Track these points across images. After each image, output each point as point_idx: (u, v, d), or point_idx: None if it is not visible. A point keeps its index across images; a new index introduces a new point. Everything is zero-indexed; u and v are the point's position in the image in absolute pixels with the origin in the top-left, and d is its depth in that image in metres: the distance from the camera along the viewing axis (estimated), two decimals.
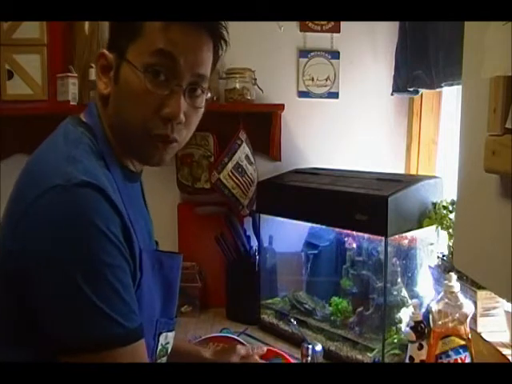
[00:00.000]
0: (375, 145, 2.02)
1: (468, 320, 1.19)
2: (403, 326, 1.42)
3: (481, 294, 1.29)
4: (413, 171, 1.98)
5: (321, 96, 2.01)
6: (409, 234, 1.52)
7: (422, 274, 1.56)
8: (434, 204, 1.51)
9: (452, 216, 1.44)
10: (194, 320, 1.86)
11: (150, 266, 0.86)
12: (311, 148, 2.02)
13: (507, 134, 0.76)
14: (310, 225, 1.80)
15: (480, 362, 1.20)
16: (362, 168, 1.81)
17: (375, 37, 1.98)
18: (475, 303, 1.27)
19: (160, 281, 0.89)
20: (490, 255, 0.91)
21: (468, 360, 1.19)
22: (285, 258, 1.91)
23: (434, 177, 1.66)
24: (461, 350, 1.19)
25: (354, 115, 2.02)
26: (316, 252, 1.80)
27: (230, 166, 1.83)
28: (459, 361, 1.18)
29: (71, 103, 1.79)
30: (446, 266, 1.42)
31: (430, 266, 1.52)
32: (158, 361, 0.90)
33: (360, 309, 1.55)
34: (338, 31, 1.98)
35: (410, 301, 1.47)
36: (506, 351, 1.23)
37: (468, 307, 1.19)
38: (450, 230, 1.44)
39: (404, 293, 1.50)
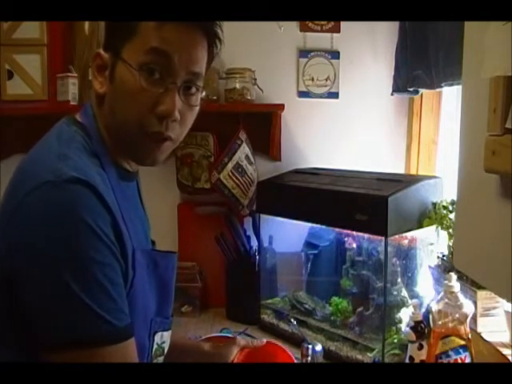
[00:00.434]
0: (375, 145, 2.02)
1: (468, 320, 1.19)
2: (403, 326, 1.42)
3: (481, 294, 1.29)
4: (413, 171, 1.98)
5: (321, 96, 2.01)
6: (409, 234, 1.52)
7: (422, 274, 1.56)
8: (434, 204, 1.51)
9: (452, 216, 1.44)
10: (194, 320, 1.86)
11: (145, 266, 0.85)
12: (311, 148, 2.02)
13: (507, 133, 0.76)
14: (310, 225, 1.80)
15: (480, 361, 1.20)
16: (362, 168, 1.81)
17: (375, 37, 1.98)
18: (475, 303, 1.27)
19: (155, 280, 0.89)
20: (490, 255, 0.91)
21: (468, 360, 1.19)
22: (285, 258, 1.91)
23: (434, 177, 1.66)
24: (461, 350, 1.19)
25: (354, 115, 2.02)
26: (316, 252, 1.80)
27: (230, 166, 1.83)
28: (459, 361, 1.18)
29: (71, 103, 1.79)
30: (446, 266, 1.42)
31: (430, 266, 1.52)
32: (154, 360, 0.90)
33: (360, 309, 1.55)
34: (338, 31, 1.98)
35: (409, 301, 1.47)
36: (506, 351, 1.23)
37: (468, 307, 1.19)
38: (450, 230, 1.44)
39: (404, 293, 1.50)
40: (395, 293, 1.49)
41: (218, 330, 1.67)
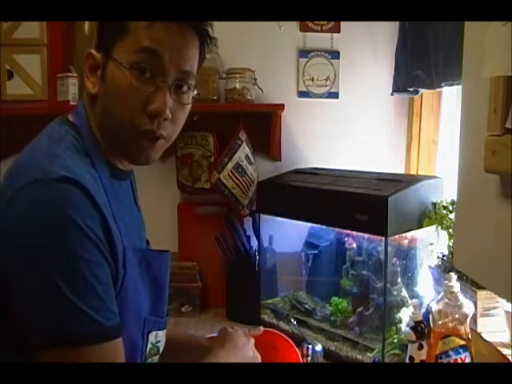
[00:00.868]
0: (375, 145, 2.02)
1: (468, 320, 1.19)
2: (403, 326, 1.42)
3: (481, 294, 1.29)
4: (413, 171, 1.98)
5: (321, 96, 2.01)
6: (409, 234, 1.52)
7: (422, 274, 1.56)
8: (434, 204, 1.51)
9: (452, 216, 1.44)
10: (194, 320, 1.86)
11: (136, 265, 0.85)
12: (311, 148, 2.02)
13: (507, 133, 0.76)
14: (310, 225, 1.80)
15: (480, 361, 1.20)
16: (362, 168, 1.81)
17: (375, 37, 1.98)
18: (475, 303, 1.27)
19: (148, 279, 0.89)
20: (490, 255, 0.91)
21: (468, 360, 1.19)
22: (285, 258, 1.91)
23: (434, 177, 1.66)
24: (461, 350, 1.19)
25: (354, 115, 2.02)
26: (316, 252, 1.80)
27: (230, 165, 1.83)
28: (459, 361, 1.18)
29: (71, 103, 1.79)
30: (446, 266, 1.42)
31: (430, 266, 1.52)
32: (149, 360, 0.90)
33: (360, 309, 1.55)
34: (338, 31, 1.98)
35: (410, 301, 1.47)
36: (506, 351, 1.23)
37: (468, 307, 1.19)
38: (450, 230, 1.44)
39: (404, 293, 1.50)
40: (395, 293, 1.49)
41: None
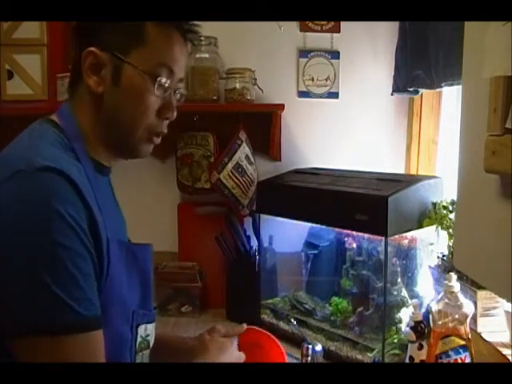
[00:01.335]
0: (375, 145, 2.02)
1: (468, 320, 1.19)
2: (403, 326, 1.42)
3: (481, 294, 1.29)
4: (413, 171, 1.98)
5: (321, 96, 2.01)
6: (409, 234, 1.52)
7: (422, 274, 1.56)
8: (434, 204, 1.51)
9: (452, 216, 1.44)
10: (194, 320, 1.86)
11: (123, 258, 0.87)
12: (311, 148, 2.02)
13: (507, 133, 0.76)
14: (310, 225, 1.80)
15: (480, 362, 1.20)
16: (362, 168, 1.81)
17: (375, 37, 1.98)
18: (475, 303, 1.27)
19: (136, 273, 0.90)
20: (490, 255, 0.91)
21: (468, 360, 1.19)
22: (285, 258, 1.91)
23: (434, 177, 1.66)
24: (461, 350, 1.19)
25: (354, 115, 2.02)
26: (316, 252, 1.80)
27: (230, 165, 1.83)
28: (459, 361, 1.18)
29: None
30: (446, 266, 1.42)
31: (430, 266, 1.52)
32: (140, 353, 0.90)
33: (360, 309, 1.55)
34: (338, 31, 1.98)
35: (410, 301, 1.47)
36: (506, 351, 1.23)
37: (468, 307, 1.19)
38: (450, 230, 1.44)
39: (404, 293, 1.50)
40: (395, 293, 1.49)
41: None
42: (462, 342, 1.19)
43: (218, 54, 1.88)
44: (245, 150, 1.86)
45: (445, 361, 1.18)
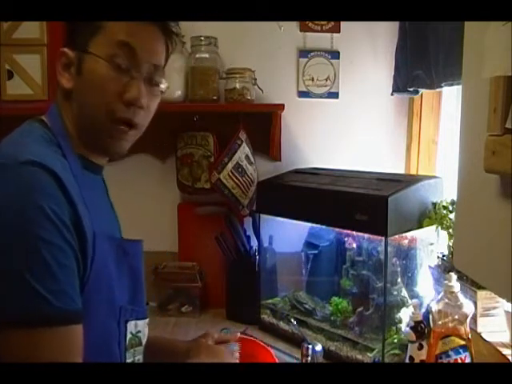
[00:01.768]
0: (375, 145, 2.02)
1: (468, 320, 1.19)
2: (403, 326, 1.42)
3: (481, 294, 1.29)
4: (413, 171, 1.98)
5: (321, 96, 2.01)
6: (409, 234, 1.52)
7: (422, 274, 1.56)
8: (434, 204, 1.51)
9: (452, 216, 1.44)
10: (194, 320, 1.86)
11: (113, 253, 0.87)
12: (311, 148, 2.02)
13: (507, 134, 0.76)
14: (310, 225, 1.80)
15: (480, 362, 1.20)
16: (362, 168, 1.81)
17: (375, 37, 1.98)
18: (475, 303, 1.27)
19: (126, 268, 0.90)
20: (490, 255, 0.91)
21: (468, 360, 1.19)
22: (285, 258, 1.91)
23: (434, 177, 1.66)
24: (461, 350, 1.19)
25: (354, 115, 2.02)
26: (316, 252, 1.80)
27: (230, 166, 1.83)
28: (459, 361, 1.18)
29: None
30: (446, 266, 1.42)
31: (430, 266, 1.52)
32: (131, 350, 0.90)
33: (360, 309, 1.55)
34: (338, 31, 1.98)
35: (409, 301, 1.47)
36: (506, 351, 1.23)
37: (468, 307, 1.19)
38: (450, 230, 1.44)
39: (404, 293, 1.50)
40: (395, 293, 1.49)
41: (218, 330, 1.66)
42: (462, 342, 1.19)
43: (218, 54, 1.88)
44: (245, 150, 1.86)
45: (445, 361, 1.18)
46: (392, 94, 1.97)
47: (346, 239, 1.65)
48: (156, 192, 2.03)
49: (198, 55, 1.84)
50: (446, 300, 1.19)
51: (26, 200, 0.71)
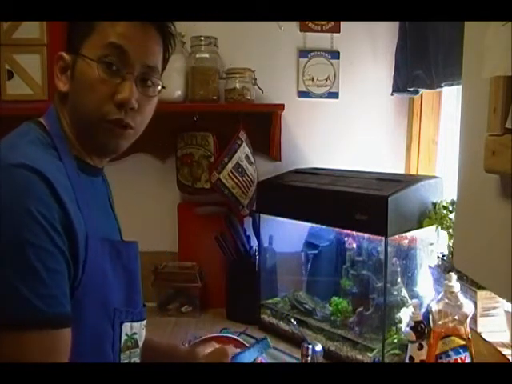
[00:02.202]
0: (375, 145, 2.02)
1: (468, 320, 1.19)
2: (403, 326, 1.42)
3: (481, 294, 1.29)
4: (413, 171, 1.98)
5: (321, 96, 2.01)
6: (409, 234, 1.52)
7: (422, 274, 1.56)
8: (434, 204, 1.51)
9: (452, 216, 1.44)
10: (194, 320, 1.86)
11: (107, 255, 0.87)
12: (311, 148, 2.02)
13: (507, 134, 0.76)
14: (310, 225, 1.80)
15: (480, 362, 1.20)
16: (362, 168, 1.81)
17: (375, 37, 1.98)
18: (475, 303, 1.27)
19: (121, 270, 0.90)
20: (490, 255, 0.91)
21: (468, 360, 1.19)
22: (285, 258, 1.91)
23: (434, 177, 1.66)
24: (461, 350, 1.19)
25: (354, 115, 2.02)
26: (316, 252, 1.80)
27: (230, 166, 1.83)
28: (459, 361, 1.18)
29: None
30: (446, 266, 1.42)
31: (430, 266, 1.52)
32: (126, 352, 0.90)
33: (360, 309, 1.55)
34: (338, 31, 1.98)
35: (410, 301, 1.47)
36: (506, 351, 1.23)
37: (468, 307, 1.19)
38: (450, 230, 1.44)
39: (404, 293, 1.50)
40: (395, 293, 1.49)
41: (218, 329, 1.67)
42: (462, 342, 1.19)
43: (218, 54, 1.88)
44: (245, 150, 1.86)
45: (445, 361, 1.18)
46: (392, 94, 1.97)
47: (345, 239, 1.65)
48: (156, 192, 2.03)
49: (198, 55, 1.84)
50: (446, 300, 1.19)
51: (14, 203, 0.71)
